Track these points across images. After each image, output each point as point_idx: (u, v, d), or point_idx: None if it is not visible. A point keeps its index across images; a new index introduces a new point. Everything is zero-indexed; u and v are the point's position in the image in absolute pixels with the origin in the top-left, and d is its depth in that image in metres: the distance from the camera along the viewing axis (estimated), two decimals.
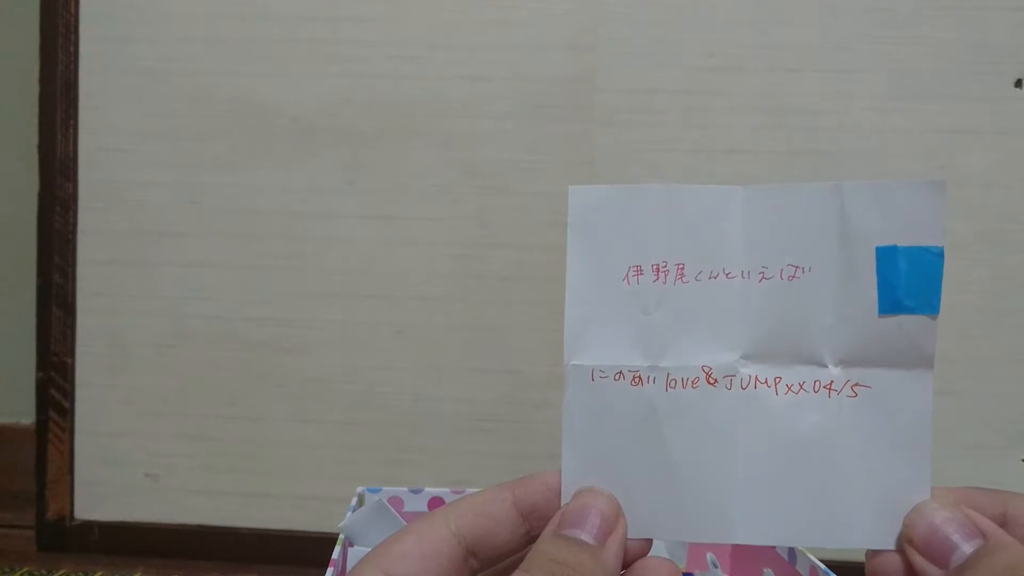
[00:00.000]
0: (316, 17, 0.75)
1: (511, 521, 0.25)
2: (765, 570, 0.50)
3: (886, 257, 0.24)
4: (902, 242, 0.24)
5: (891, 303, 0.24)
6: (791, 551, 0.47)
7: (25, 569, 0.73)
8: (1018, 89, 0.71)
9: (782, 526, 0.25)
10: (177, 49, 0.76)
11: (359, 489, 0.55)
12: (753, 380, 0.25)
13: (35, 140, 0.77)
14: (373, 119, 0.75)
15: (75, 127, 0.76)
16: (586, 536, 0.24)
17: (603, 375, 0.26)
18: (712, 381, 0.25)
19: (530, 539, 0.25)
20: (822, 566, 0.43)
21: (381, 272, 0.75)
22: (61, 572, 0.72)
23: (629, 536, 0.25)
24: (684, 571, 0.52)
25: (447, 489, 0.55)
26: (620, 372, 0.26)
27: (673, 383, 0.25)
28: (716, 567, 0.54)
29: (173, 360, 0.77)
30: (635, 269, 0.26)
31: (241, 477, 0.77)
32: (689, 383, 0.25)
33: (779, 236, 0.25)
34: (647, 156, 0.73)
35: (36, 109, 0.76)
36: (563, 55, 0.74)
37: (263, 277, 0.76)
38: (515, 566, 0.23)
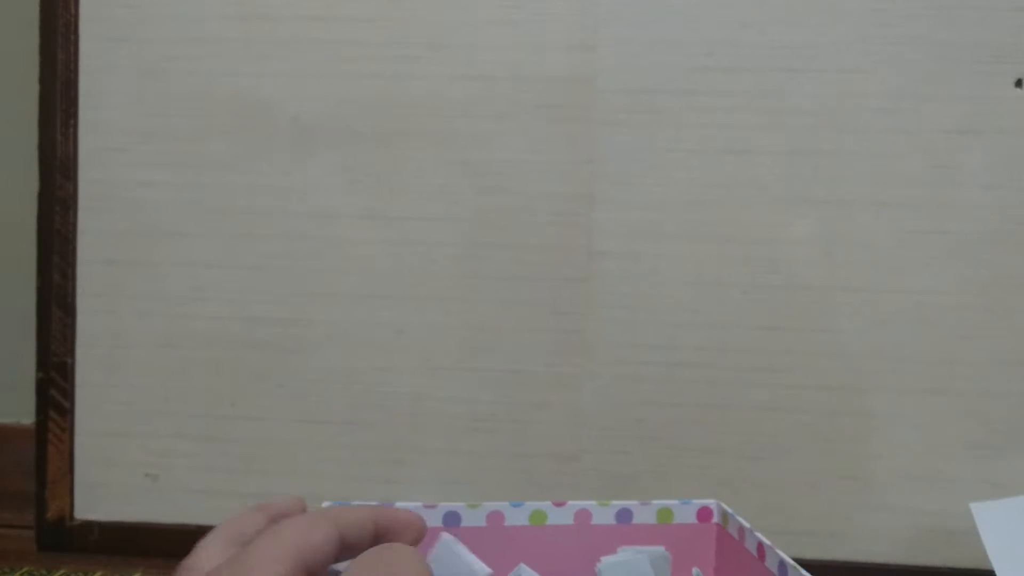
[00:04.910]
0: (316, 17, 0.75)
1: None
2: None
3: None
4: None
5: None
6: (781, 567, 0.45)
7: (25, 569, 0.72)
8: (1018, 89, 0.71)
9: None
10: (177, 49, 0.76)
11: (325, 504, 0.54)
12: None
13: (35, 140, 0.77)
14: (373, 119, 0.75)
15: (75, 127, 0.76)
16: None
17: None
18: None
19: None
20: None
21: (381, 272, 0.75)
22: (61, 572, 0.72)
23: None
24: None
25: (420, 503, 0.54)
26: None
27: None
28: None
29: (173, 360, 0.77)
30: None
31: (241, 477, 0.77)
32: None
33: None
34: (647, 156, 0.73)
35: (36, 109, 0.76)
36: (563, 55, 0.74)
37: (263, 277, 0.76)
38: None
